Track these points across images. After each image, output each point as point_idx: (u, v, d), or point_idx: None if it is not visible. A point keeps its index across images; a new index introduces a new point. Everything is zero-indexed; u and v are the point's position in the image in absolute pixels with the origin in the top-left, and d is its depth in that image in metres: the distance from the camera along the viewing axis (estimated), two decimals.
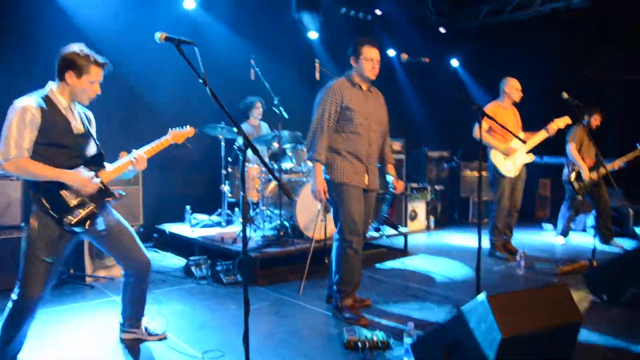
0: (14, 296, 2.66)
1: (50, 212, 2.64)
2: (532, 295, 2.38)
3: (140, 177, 5.15)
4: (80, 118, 2.86)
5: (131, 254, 3.01)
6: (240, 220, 5.82)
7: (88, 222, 2.75)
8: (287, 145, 5.64)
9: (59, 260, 2.75)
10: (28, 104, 2.60)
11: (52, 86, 2.74)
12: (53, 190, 2.65)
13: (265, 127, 6.38)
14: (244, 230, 2.23)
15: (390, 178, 3.93)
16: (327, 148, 3.60)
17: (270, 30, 6.95)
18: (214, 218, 5.94)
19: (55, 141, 2.67)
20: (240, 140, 6.25)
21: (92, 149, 2.89)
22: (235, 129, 2.22)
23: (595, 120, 6.28)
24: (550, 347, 2.34)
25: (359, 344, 3.07)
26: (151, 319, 3.40)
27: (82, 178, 2.71)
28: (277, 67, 6.32)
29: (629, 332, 3.41)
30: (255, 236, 5.36)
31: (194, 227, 5.77)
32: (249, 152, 6.05)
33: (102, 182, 2.82)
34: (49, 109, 2.66)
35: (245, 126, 6.23)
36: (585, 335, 3.26)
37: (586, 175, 6.15)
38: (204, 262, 4.83)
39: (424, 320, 3.55)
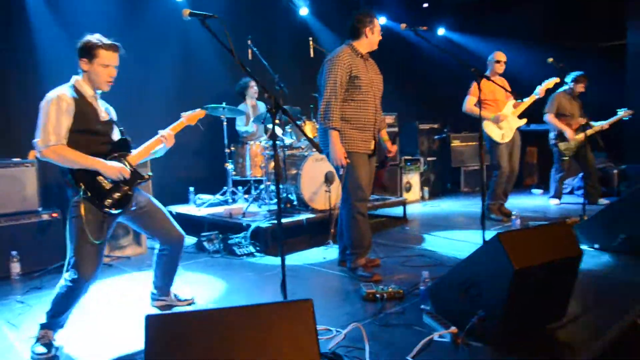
0: (70, 276, 2.76)
1: (92, 197, 2.79)
2: (539, 232, 2.63)
3: (148, 161, 5.29)
4: (104, 108, 3.04)
5: (166, 229, 3.17)
6: (246, 196, 6.07)
7: (124, 204, 2.92)
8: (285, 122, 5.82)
9: (105, 241, 2.90)
10: (63, 93, 2.77)
11: (76, 78, 2.90)
12: (90, 176, 2.81)
13: (262, 107, 6.54)
14: (277, 185, 2.42)
15: (384, 142, 4.15)
16: (340, 115, 3.79)
17: (264, 11, 7.08)
18: (219, 197, 6.11)
19: (86, 128, 2.83)
20: (240, 122, 6.43)
21: (117, 135, 3.07)
22: (265, 95, 2.36)
23: (579, 86, 6.56)
24: (556, 277, 2.59)
25: (377, 295, 3.31)
26: (178, 287, 3.60)
27: (115, 168, 2.84)
28: (272, 47, 6.47)
29: (619, 271, 3.70)
30: (261, 210, 5.57)
31: (200, 206, 5.94)
32: (249, 129, 6.27)
33: (130, 165, 2.97)
34: (79, 98, 2.83)
35: (243, 107, 6.39)
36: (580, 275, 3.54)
37: (570, 136, 6.45)
38: (215, 237, 5.02)
39: (433, 275, 3.79)
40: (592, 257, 4.12)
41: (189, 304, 3.47)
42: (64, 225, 4.56)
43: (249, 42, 5.65)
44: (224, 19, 2.57)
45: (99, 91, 2.97)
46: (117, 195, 2.88)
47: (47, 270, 4.29)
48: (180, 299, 3.48)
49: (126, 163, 2.97)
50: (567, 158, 6.63)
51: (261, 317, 1.58)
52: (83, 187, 2.77)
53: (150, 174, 3.15)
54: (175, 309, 3.40)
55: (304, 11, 7.49)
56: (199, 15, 2.53)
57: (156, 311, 3.38)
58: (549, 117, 6.56)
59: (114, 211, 2.86)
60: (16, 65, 5.17)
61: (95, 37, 2.86)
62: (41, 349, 2.72)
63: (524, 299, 2.51)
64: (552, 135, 6.70)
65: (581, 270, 2.74)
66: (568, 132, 6.47)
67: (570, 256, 2.64)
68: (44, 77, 5.10)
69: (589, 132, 6.35)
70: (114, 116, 3.14)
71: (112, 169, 2.84)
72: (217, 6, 6.42)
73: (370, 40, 3.89)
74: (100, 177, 2.84)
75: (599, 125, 6.60)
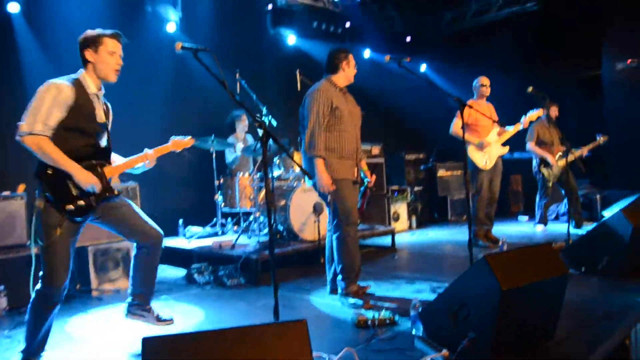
0: (37, 287, 2.76)
1: (54, 200, 2.71)
2: (525, 254, 2.69)
3: (137, 191, 5.32)
4: (103, 108, 2.97)
5: (143, 228, 3.06)
6: (235, 228, 6.08)
7: (85, 213, 2.82)
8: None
9: (70, 246, 2.82)
10: (63, 83, 2.72)
11: (82, 71, 2.87)
12: (60, 178, 2.72)
13: (251, 139, 6.63)
14: (269, 215, 2.47)
15: (363, 172, 4.24)
16: (324, 145, 3.90)
17: (251, 47, 7.26)
18: (209, 229, 6.12)
19: (78, 126, 2.77)
20: (229, 153, 6.50)
21: (104, 141, 2.99)
22: (256, 124, 2.43)
23: (553, 111, 6.81)
24: (544, 297, 2.65)
25: (369, 322, 3.33)
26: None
27: (89, 179, 2.76)
28: (259, 80, 6.59)
29: (607, 293, 3.76)
30: (251, 242, 5.58)
31: (190, 239, 5.94)
32: (237, 154, 6.33)
33: (104, 177, 2.89)
34: (80, 91, 2.77)
35: (231, 139, 6.47)
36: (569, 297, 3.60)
37: (552, 161, 6.62)
38: (205, 269, 5.01)
39: (423, 300, 3.82)
40: (579, 280, 4.18)
41: (168, 325, 3.35)
42: None
43: (237, 75, 5.77)
44: (214, 52, 2.66)
45: (104, 85, 2.92)
46: (80, 202, 2.78)
47: None
48: (160, 319, 3.32)
49: (102, 173, 2.89)
50: (551, 184, 6.77)
51: (257, 338, 1.61)
52: (47, 187, 2.70)
53: (120, 190, 3.05)
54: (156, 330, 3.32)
55: (291, 39, 7.68)
56: (191, 49, 2.62)
57: (131, 322, 3.30)
58: (530, 146, 6.75)
59: (75, 218, 2.78)
60: (2, 96, 5.22)
61: (93, 29, 2.86)
62: None
63: (512, 319, 2.56)
64: (535, 162, 6.86)
65: (568, 293, 2.80)
66: (550, 158, 6.64)
67: (557, 276, 2.70)
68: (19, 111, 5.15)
69: (570, 157, 6.54)
70: (110, 117, 3.08)
71: (86, 178, 2.75)
72: (205, 39, 6.62)
73: (346, 73, 4.07)
74: (70, 182, 2.75)
75: (578, 151, 6.79)
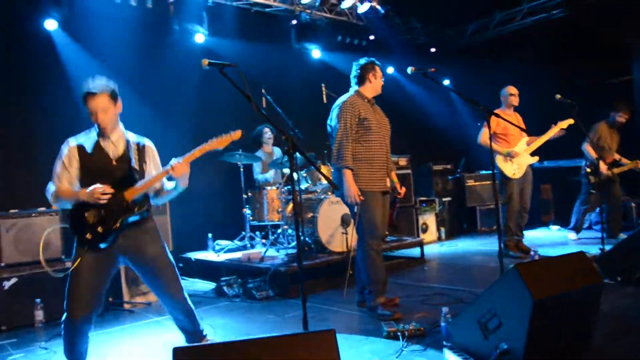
0: (63, 317, 2.89)
1: (75, 232, 2.88)
2: (557, 262, 2.64)
3: (167, 206, 5.41)
4: (125, 145, 3.02)
5: (167, 291, 3.06)
6: (264, 241, 6.12)
7: (107, 237, 2.86)
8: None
9: (103, 284, 2.92)
10: (70, 144, 2.95)
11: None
12: (78, 212, 2.88)
13: (278, 152, 6.70)
14: (296, 226, 2.49)
15: (394, 183, 4.24)
16: (352, 156, 3.91)
17: (276, 63, 7.35)
18: (238, 242, 6.18)
19: (90, 169, 2.92)
20: (257, 169, 6.57)
21: (124, 172, 2.98)
22: (283, 136, 2.46)
23: (621, 118, 6.56)
24: (577, 307, 2.59)
25: (399, 333, 3.31)
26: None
27: (92, 192, 2.79)
28: (285, 95, 6.65)
29: None
30: (280, 254, 5.61)
31: (219, 252, 6.00)
32: (269, 177, 6.39)
33: (124, 199, 2.88)
34: (89, 144, 2.94)
35: (260, 153, 6.55)
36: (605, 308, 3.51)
37: (603, 168, 6.39)
38: (234, 282, 5.06)
39: (453, 311, 3.78)
40: (615, 290, 4.07)
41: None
42: None
43: (263, 90, 5.84)
44: (240, 68, 2.71)
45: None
46: (100, 228, 2.84)
47: None
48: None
49: (120, 195, 2.88)
50: (594, 192, 6.58)
51: (286, 348, 1.62)
52: (70, 222, 2.90)
53: (146, 209, 3.00)
54: None
55: (316, 54, 7.76)
56: (217, 65, 2.67)
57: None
58: (586, 146, 6.50)
59: (99, 245, 2.83)
60: (43, 113, 5.43)
61: (86, 84, 2.90)
62: None
63: (545, 330, 2.50)
64: (584, 164, 6.67)
65: (604, 303, 2.73)
66: (602, 165, 6.39)
67: (591, 284, 2.64)
68: (68, 126, 5.31)
69: (620, 169, 6.37)
70: (147, 153, 3.10)
71: (88, 192, 2.80)
72: (231, 55, 6.73)
73: (373, 85, 4.10)
74: (87, 213, 2.85)
75: (632, 163, 6.54)
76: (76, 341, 2.91)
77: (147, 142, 3.17)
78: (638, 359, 2.64)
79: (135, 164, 3.01)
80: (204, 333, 3.31)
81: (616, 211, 6.57)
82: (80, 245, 2.86)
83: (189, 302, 3.16)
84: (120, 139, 3.04)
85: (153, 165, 3.12)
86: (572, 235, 6.89)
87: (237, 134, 3.10)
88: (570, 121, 5.84)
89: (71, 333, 2.88)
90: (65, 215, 4.63)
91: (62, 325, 2.89)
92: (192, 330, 3.23)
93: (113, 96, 2.94)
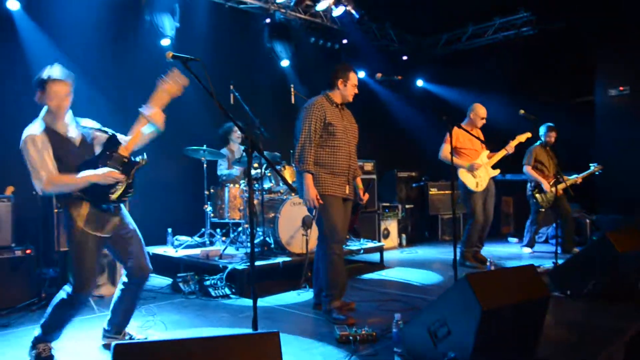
0: (67, 290, 3.02)
1: (94, 199, 2.99)
2: (506, 274, 2.70)
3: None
4: (76, 129, 3.14)
5: (139, 260, 3.24)
6: (224, 239, 6.06)
7: (127, 193, 3.10)
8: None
9: (99, 256, 3.13)
10: (33, 133, 2.93)
11: (43, 109, 3.05)
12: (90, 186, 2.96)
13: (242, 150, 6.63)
14: (251, 224, 2.47)
15: (358, 189, 4.24)
16: (314, 159, 3.91)
17: (246, 60, 7.30)
18: (197, 238, 6.10)
19: (64, 157, 2.97)
20: (222, 165, 6.50)
21: (92, 151, 3.16)
22: (242, 135, 2.44)
23: (550, 138, 6.81)
24: (524, 319, 2.65)
25: (351, 338, 3.32)
26: (144, 329, 3.64)
27: (104, 174, 2.95)
28: (254, 93, 6.61)
29: (591, 317, 3.76)
30: (239, 253, 5.57)
31: (177, 247, 5.91)
32: (233, 172, 6.33)
33: (122, 157, 3.09)
34: (48, 132, 2.98)
35: (224, 150, 6.48)
36: (554, 320, 3.59)
37: (547, 187, 6.63)
38: (191, 278, 4.99)
39: (405, 318, 3.81)
40: (564, 304, 4.18)
41: None
42: (37, 262, 4.55)
43: (231, 87, 5.79)
44: (208, 64, 2.67)
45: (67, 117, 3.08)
46: (120, 186, 3.04)
47: (16, 308, 4.21)
48: (133, 339, 3.43)
49: (118, 158, 3.07)
50: (543, 210, 6.80)
51: (229, 348, 1.60)
52: (82, 194, 2.96)
53: (145, 158, 3.23)
54: None
55: (285, 63, 7.72)
56: (181, 58, 2.64)
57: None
58: (527, 169, 6.79)
59: (121, 199, 3.07)
60: (3, 95, 5.22)
61: (44, 71, 2.98)
62: None
63: (492, 339, 2.55)
64: (529, 186, 6.89)
65: (553, 316, 2.80)
66: (545, 184, 6.65)
67: (538, 297, 2.70)
68: (24, 114, 5.15)
69: (563, 185, 6.57)
70: (91, 127, 3.23)
71: (102, 176, 2.94)
72: (201, 50, 6.64)
73: (341, 92, 4.05)
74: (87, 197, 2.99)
75: (572, 178, 6.80)
76: (72, 317, 3.09)
77: (85, 121, 3.28)
78: None
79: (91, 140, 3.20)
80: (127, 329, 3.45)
81: (568, 226, 6.76)
82: (97, 211, 3.00)
83: (146, 281, 3.34)
84: (71, 123, 3.15)
85: (99, 132, 3.24)
86: (526, 250, 7.12)
87: (178, 75, 3.23)
88: (528, 135, 6.02)
89: (77, 306, 3.04)
90: (21, 203, 4.52)
91: (65, 301, 3.01)
92: (130, 310, 3.37)
93: (72, 85, 3.05)
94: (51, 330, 3.09)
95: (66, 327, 3.14)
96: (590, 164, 6.96)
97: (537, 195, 6.74)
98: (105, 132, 3.22)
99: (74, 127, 3.13)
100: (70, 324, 3.15)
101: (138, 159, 3.19)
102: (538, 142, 6.85)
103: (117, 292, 3.35)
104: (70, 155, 3.00)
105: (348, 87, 4.03)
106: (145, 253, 3.29)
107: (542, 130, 6.80)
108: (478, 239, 6.09)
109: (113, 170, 2.99)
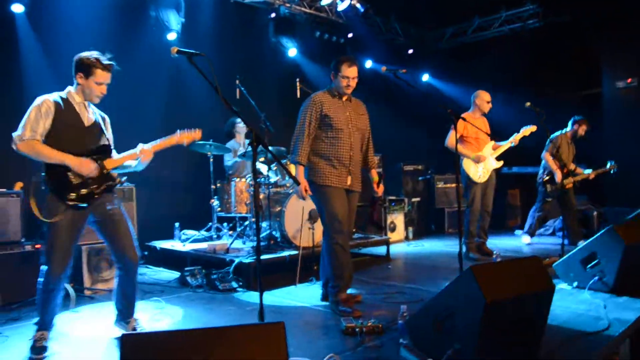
0: (44, 273, 3.10)
1: (57, 190, 3.05)
2: (511, 266, 2.71)
3: (134, 193, 5.35)
4: (94, 114, 3.29)
5: (124, 245, 3.29)
6: (230, 233, 6.10)
7: (89, 200, 3.13)
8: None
9: (72, 237, 3.13)
10: (46, 98, 3.08)
11: (70, 88, 3.19)
12: (60, 172, 3.05)
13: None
14: (256, 218, 2.50)
15: (372, 182, 4.27)
16: (308, 152, 3.98)
17: (252, 54, 7.32)
18: (204, 233, 6.14)
19: (64, 131, 3.09)
20: (228, 158, 6.53)
21: (99, 141, 3.28)
22: (247, 128, 2.46)
23: (582, 130, 6.76)
24: (529, 311, 2.66)
25: (357, 329, 3.34)
26: (152, 322, 3.67)
27: (82, 161, 3.08)
28: (259, 88, 6.63)
29: (597, 308, 3.76)
30: (245, 247, 5.60)
31: (185, 242, 5.95)
32: (237, 160, 6.35)
33: (104, 168, 3.20)
34: (64, 104, 3.11)
35: (232, 143, 6.51)
36: (559, 314, 3.60)
37: (559, 178, 6.57)
38: (198, 272, 5.03)
39: (411, 310, 3.83)
40: (570, 295, 4.18)
41: None
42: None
43: (237, 81, 5.81)
44: (213, 59, 2.70)
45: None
46: (83, 190, 3.11)
47: (27, 301, 4.25)
48: (136, 329, 3.44)
49: (101, 164, 3.19)
50: (550, 200, 6.78)
51: (234, 339, 1.63)
52: (51, 180, 3.04)
53: (124, 178, 3.39)
54: None
55: (292, 52, 7.73)
56: (186, 53, 2.66)
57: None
58: (546, 156, 6.67)
59: (79, 204, 3.09)
60: (2, 95, 5.27)
61: (93, 55, 3.12)
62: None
63: (497, 332, 2.56)
64: (541, 173, 6.84)
65: (558, 308, 2.80)
66: (558, 176, 6.58)
67: (542, 290, 2.71)
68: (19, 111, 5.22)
69: (576, 178, 6.57)
70: (107, 125, 3.40)
71: (80, 163, 3.06)
72: (207, 45, 6.66)
73: (335, 84, 4.06)
74: (70, 173, 3.08)
75: (586, 173, 6.74)
76: (54, 297, 3.14)
77: (107, 117, 3.45)
78: None
79: (105, 132, 3.34)
80: (135, 310, 3.49)
81: (572, 218, 6.74)
82: (59, 201, 3.05)
83: (136, 267, 3.38)
84: (91, 108, 3.29)
85: (110, 138, 3.42)
86: (525, 239, 7.11)
87: (197, 134, 3.48)
88: (533, 128, 5.99)
89: (51, 287, 3.09)
90: (30, 191, 4.56)
91: (43, 281, 3.09)
92: (130, 295, 3.41)
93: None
94: (41, 315, 3.17)
95: (54, 315, 3.22)
96: (608, 161, 6.86)
97: (548, 185, 6.72)
98: (107, 138, 3.35)
99: (92, 112, 3.26)
100: (55, 310, 3.22)
101: (117, 177, 3.32)
102: (563, 131, 6.76)
103: (115, 280, 3.46)
104: (71, 130, 3.11)
105: (338, 79, 4.00)
106: (131, 240, 3.33)
107: (571, 120, 6.76)
108: (481, 230, 6.08)
109: (89, 161, 3.10)
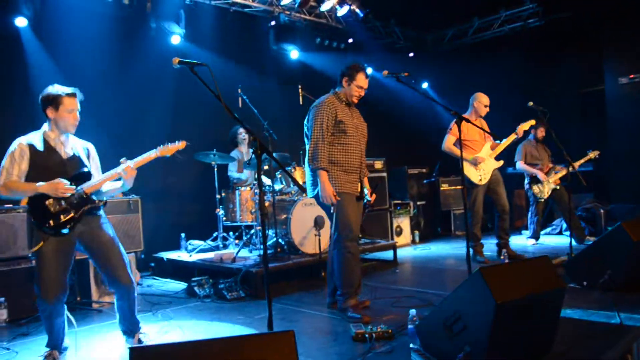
0: (37, 300, 3.14)
1: (37, 220, 3.11)
2: (520, 266, 2.69)
3: (139, 204, 5.36)
4: (73, 148, 3.32)
5: (115, 272, 3.29)
6: (237, 241, 6.09)
7: (67, 225, 3.15)
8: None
9: (62, 261, 3.15)
10: (20, 142, 3.18)
11: (44, 126, 3.26)
12: (38, 201, 3.11)
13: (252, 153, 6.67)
14: (262, 226, 2.49)
15: (365, 189, 4.25)
16: (328, 156, 3.92)
17: (253, 63, 7.34)
18: (210, 242, 6.13)
19: (44, 168, 3.16)
20: (232, 168, 6.54)
21: (80, 169, 3.30)
22: (251, 137, 2.46)
23: (540, 132, 6.97)
24: (540, 311, 2.63)
25: (367, 335, 3.32)
26: (161, 334, 3.68)
27: (52, 182, 3.08)
28: (262, 96, 6.64)
29: (608, 307, 3.73)
30: (252, 255, 5.59)
31: (191, 252, 5.95)
32: (242, 176, 6.36)
33: (84, 192, 3.22)
34: (39, 143, 3.19)
35: (235, 153, 6.52)
36: (570, 313, 3.57)
37: (543, 177, 6.79)
38: (206, 282, 5.02)
39: (421, 314, 3.81)
40: (580, 295, 4.15)
41: None
42: None
43: (239, 90, 5.82)
44: (214, 69, 2.70)
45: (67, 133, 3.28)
46: (62, 217, 3.14)
47: (35, 316, 4.25)
48: (141, 343, 3.48)
49: (80, 189, 3.21)
50: (542, 200, 6.89)
51: (243, 349, 1.62)
52: (32, 211, 3.12)
53: (105, 199, 3.39)
54: None
55: (294, 55, 7.75)
56: (188, 64, 2.66)
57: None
58: (520, 164, 6.96)
59: (60, 230, 3.12)
60: (11, 110, 5.33)
61: (54, 87, 3.19)
62: None
63: (507, 333, 2.54)
64: (526, 180, 7.03)
65: (569, 307, 2.77)
66: (540, 175, 6.81)
67: (552, 289, 2.68)
68: (37, 122, 5.24)
69: (557, 175, 6.76)
70: (92, 155, 3.45)
71: (49, 186, 3.07)
72: (208, 55, 6.70)
73: (345, 90, 4.06)
74: (49, 201, 3.12)
75: (566, 168, 6.75)
76: (53, 321, 3.18)
77: (90, 146, 3.50)
78: None
79: (85, 162, 3.37)
80: (139, 327, 3.53)
81: (570, 215, 6.70)
82: (41, 231, 3.11)
83: (135, 289, 3.39)
84: (70, 140, 3.34)
85: (95, 167, 3.47)
86: (531, 242, 7.19)
87: (181, 145, 3.44)
88: (532, 122, 6.00)
89: (47, 313, 3.14)
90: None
91: (38, 308, 3.17)
92: (129, 317, 3.44)
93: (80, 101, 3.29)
94: (48, 336, 3.24)
95: (60, 336, 3.27)
96: (587, 150, 6.97)
97: (534, 187, 6.90)
98: (86, 167, 3.36)
99: (71, 146, 3.31)
100: (60, 333, 3.27)
101: (96, 199, 3.31)
102: (526, 139, 6.98)
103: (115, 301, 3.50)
104: (51, 166, 3.16)
105: (352, 87, 4.01)
106: (124, 265, 3.32)
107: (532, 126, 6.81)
108: (501, 230, 6.03)
109: (61, 181, 3.10)
